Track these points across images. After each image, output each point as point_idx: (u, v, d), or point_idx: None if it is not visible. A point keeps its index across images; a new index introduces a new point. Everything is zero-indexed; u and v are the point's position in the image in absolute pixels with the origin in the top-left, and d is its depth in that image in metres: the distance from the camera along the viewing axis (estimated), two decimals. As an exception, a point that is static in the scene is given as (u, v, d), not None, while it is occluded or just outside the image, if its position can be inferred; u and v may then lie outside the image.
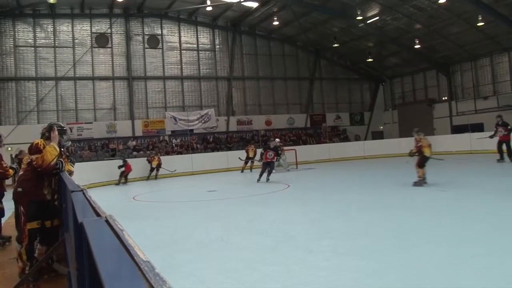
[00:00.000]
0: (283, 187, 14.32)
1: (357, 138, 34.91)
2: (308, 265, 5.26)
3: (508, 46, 28.66)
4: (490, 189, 10.38)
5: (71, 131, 26.28)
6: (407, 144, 25.56)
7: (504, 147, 16.84)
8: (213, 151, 28.71)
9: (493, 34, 27.84)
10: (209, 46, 32.22)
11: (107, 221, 1.30)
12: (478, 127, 28.83)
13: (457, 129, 31.08)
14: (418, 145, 11.99)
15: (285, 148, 23.20)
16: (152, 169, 22.09)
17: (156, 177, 22.10)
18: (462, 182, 12.49)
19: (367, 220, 7.86)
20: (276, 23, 29.73)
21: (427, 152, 11.45)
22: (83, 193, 2.39)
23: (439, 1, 24.43)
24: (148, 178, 22.02)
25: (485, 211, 7.87)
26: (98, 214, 1.60)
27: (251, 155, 23.38)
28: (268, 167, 16.73)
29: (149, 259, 0.90)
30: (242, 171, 23.19)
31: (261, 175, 16.75)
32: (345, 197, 11.32)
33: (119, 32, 29.31)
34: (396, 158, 24.14)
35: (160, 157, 22.94)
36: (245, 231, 7.67)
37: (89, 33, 28.47)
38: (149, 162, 22.20)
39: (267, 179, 16.50)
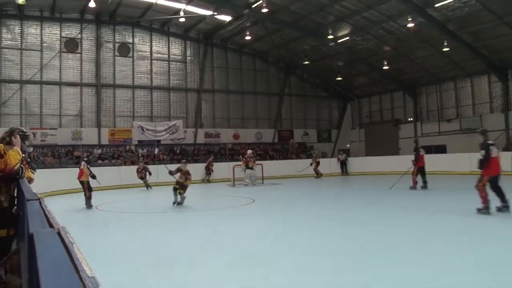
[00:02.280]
0: (248, 202, 14.28)
1: (324, 155, 35.26)
2: (269, 282, 5.23)
3: (471, 71, 29.66)
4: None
5: (34, 137, 25.66)
6: (372, 162, 26.13)
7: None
8: (179, 163, 28.43)
9: (457, 59, 28.77)
10: (180, 57, 32.13)
11: (59, 233, 1.27)
12: (441, 149, 29.60)
13: (421, 150, 31.71)
14: None
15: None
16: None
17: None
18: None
19: (330, 237, 7.91)
20: (248, 37, 29.92)
21: None
22: (40, 202, 2.33)
23: (408, 25, 25.09)
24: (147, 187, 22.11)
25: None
26: (51, 225, 1.56)
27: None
28: None
29: (94, 275, 0.88)
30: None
31: None
32: (309, 213, 11.37)
33: (89, 38, 28.89)
34: (361, 176, 24.51)
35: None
36: (206, 246, 7.59)
37: (58, 37, 27.93)
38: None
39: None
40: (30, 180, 6.19)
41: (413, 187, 16.32)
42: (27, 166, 8.86)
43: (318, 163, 27.07)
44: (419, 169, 16.47)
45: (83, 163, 14.69)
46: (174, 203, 13.68)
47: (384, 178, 23.92)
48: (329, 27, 27.30)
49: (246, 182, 22.03)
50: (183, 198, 13.89)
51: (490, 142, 9.71)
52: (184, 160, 16.82)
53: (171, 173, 14.51)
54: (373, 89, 37.16)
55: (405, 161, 27.32)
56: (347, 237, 7.86)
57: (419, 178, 16.38)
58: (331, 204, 13.88)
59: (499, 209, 9.36)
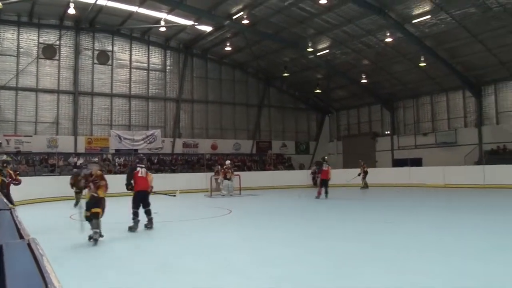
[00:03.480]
0: (225, 212, 14.23)
1: (301, 167, 35.41)
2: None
3: (446, 87, 30.36)
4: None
5: (8, 144, 25.22)
6: (352, 174, 26.32)
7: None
8: (156, 173, 28.26)
9: (433, 75, 29.40)
10: (159, 66, 32.02)
11: (28, 244, 1.24)
12: (417, 162, 30.05)
13: (398, 163, 32.24)
14: None
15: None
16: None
17: None
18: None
19: (307, 248, 7.92)
20: (228, 48, 29.97)
21: None
22: (10, 212, 2.28)
23: (386, 40, 25.53)
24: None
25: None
26: (21, 236, 1.52)
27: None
28: None
29: (62, 287, 0.86)
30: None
31: None
32: (286, 224, 11.39)
33: (68, 45, 28.58)
34: (340, 188, 24.66)
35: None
36: (182, 255, 7.53)
37: (36, 43, 27.55)
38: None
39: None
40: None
41: (317, 197, 18.83)
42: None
43: (366, 173, 25.91)
44: (323, 182, 19.02)
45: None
46: (90, 238, 8.61)
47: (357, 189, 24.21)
48: (309, 39, 27.62)
49: (224, 193, 21.98)
50: (96, 233, 8.62)
51: None
52: (96, 159, 13.53)
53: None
54: (351, 102, 37.58)
55: (382, 173, 27.94)
56: (324, 248, 7.88)
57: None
58: (308, 214, 13.94)
59: None
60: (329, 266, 6.55)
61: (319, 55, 29.89)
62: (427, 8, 22.76)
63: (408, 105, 33.97)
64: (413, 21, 24.02)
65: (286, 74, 32.25)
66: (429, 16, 23.30)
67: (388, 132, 35.17)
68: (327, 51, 29.46)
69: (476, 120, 29.11)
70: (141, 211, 10.36)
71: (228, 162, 23.87)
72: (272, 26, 27.25)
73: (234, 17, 25.85)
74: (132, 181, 10.70)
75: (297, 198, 20.17)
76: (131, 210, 10.40)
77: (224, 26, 27.31)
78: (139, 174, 10.66)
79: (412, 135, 33.33)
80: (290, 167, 35.51)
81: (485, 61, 26.64)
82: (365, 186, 25.53)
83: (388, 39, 25.36)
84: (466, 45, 25.44)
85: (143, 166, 11.03)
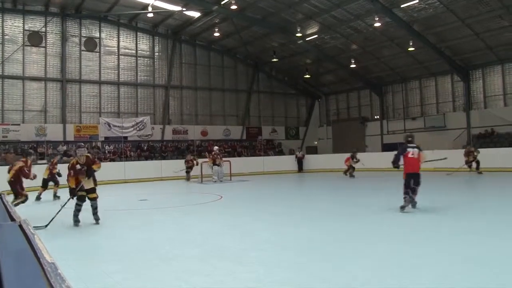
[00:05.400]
0: (215, 198, 14.29)
1: (291, 152, 35.53)
2: (236, 276, 5.27)
3: (435, 71, 30.45)
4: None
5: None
6: (341, 159, 26.47)
7: None
8: (146, 160, 28.27)
9: (422, 59, 29.47)
10: (148, 53, 31.77)
11: (20, 226, 1.26)
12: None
13: (387, 147, 32.41)
14: None
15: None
16: None
17: None
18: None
19: (296, 233, 8.00)
20: (217, 34, 29.73)
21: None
22: (0, 197, 2.30)
23: (375, 25, 25.50)
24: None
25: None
26: (13, 219, 1.55)
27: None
28: None
29: (54, 260, 0.89)
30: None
31: None
32: (276, 209, 11.47)
33: (54, 31, 28.20)
34: (331, 173, 24.81)
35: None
36: (174, 241, 7.57)
37: (21, 30, 27.11)
38: None
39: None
40: None
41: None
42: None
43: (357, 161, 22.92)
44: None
45: None
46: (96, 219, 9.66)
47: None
48: (298, 24, 27.54)
49: (214, 179, 22.03)
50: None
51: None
52: (83, 147, 13.56)
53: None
54: (340, 87, 37.64)
55: (371, 157, 28.08)
56: (315, 231, 7.98)
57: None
58: (297, 200, 14.07)
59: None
60: (321, 247, 6.65)
61: (308, 40, 29.80)
62: (418, -8, 22.77)
63: (397, 90, 34.10)
64: (401, 6, 23.98)
65: (275, 60, 32.18)
66: (417, 1, 23.26)
67: (378, 117, 35.31)
68: (316, 36, 29.38)
69: (464, 105, 29.31)
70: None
71: (216, 148, 23.89)
72: (261, 11, 27.09)
73: (223, 2, 25.64)
74: None
75: (287, 184, 20.26)
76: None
77: (212, 11, 27.08)
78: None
79: (401, 120, 33.50)
80: (280, 152, 35.60)
81: (473, 46, 26.75)
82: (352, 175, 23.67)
83: (377, 24, 25.32)
84: (454, 29, 25.49)
85: None
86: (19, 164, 10.77)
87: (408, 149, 10.00)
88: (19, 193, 10.72)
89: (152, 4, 26.38)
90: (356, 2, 24.31)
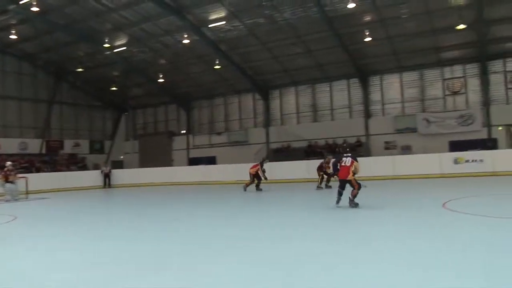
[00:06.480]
0: (8, 220, 12.79)
1: (96, 167, 33.93)
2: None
3: (239, 89, 32.67)
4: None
5: None
6: (147, 173, 26.22)
7: None
8: None
9: (227, 77, 31.26)
10: None
11: None
12: (211, 160, 31.49)
13: (193, 161, 33.34)
14: None
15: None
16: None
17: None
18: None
19: (101, 251, 7.63)
20: (13, 36, 26.85)
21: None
22: None
23: (183, 41, 26.15)
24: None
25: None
26: None
27: None
28: None
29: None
30: None
31: None
32: (80, 227, 10.80)
33: None
34: (140, 188, 24.37)
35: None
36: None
37: None
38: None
39: None
40: None
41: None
42: None
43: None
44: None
45: None
46: None
47: (154, 189, 24.27)
48: (106, 35, 26.71)
49: (7, 198, 19.80)
50: None
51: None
52: None
53: None
54: (148, 101, 37.51)
55: (177, 172, 28.45)
56: (124, 250, 7.76)
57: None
58: (102, 215, 13.52)
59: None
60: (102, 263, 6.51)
61: (116, 51, 29.03)
62: (222, 14, 24.03)
63: (204, 105, 35.42)
64: (210, 26, 25.12)
65: (80, 70, 30.63)
66: (224, 22, 24.64)
67: (184, 131, 36.06)
68: (125, 48, 28.82)
69: (264, 121, 31.85)
70: None
71: (9, 163, 21.54)
72: (66, 17, 25.50)
73: (21, 2, 23.40)
74: None
75: (89, 200, 19.25)
76: None
77: (8, 10, 24.50)
78: None
79: (207, 134, 34.85)
80: (84, 167, 33.72)
81: (272, 68, 29.43)
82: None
83: (186, 41, 26.04)
84: (256, 51, 27.64)
85: None
86: None
87: (343, 158, 10.84)
88: None
89: None
90: (166, 17, 24.62)
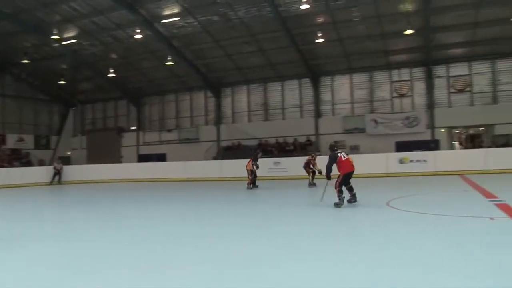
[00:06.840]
0: None
1: (41, 163, 32.83)
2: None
3: (191, 86, 32.54)
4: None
5: None
6: (93, 170, 25.64)
7: None
8: None
9: (179, 73, 31.09)
10: None
11: None
12: (161, 157, 31.20)
13: (143, 158, 32.92)
14: None
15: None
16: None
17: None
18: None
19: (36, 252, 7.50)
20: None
21: None
22: None
23: (135, 36, 25.75)
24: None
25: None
26: None
27: None
28: None
29: None
30: None
31: None
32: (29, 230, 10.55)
33: None
34: (81, 185, 23.78)
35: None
36: None
37: None
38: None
39: None
40: None
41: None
42: None
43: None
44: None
45: None
46: None
47: (102, 186, 23.80)
48: (54, 26, 25.82)
49: None
50: None
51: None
52: None
53: None
54: (97, 96, 36.64)
55: (127, 168, 28.03)
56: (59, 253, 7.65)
57: None
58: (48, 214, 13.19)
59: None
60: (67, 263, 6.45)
61: (65, 44, 28.11)
62: (176, 10, 23.87)
63: (155, 102, 35.02)
64: (163, 21, 24.89)
65: (25, 61, 29.42)
66: (178, 18, 24.49)
67: (134, 128, 35.49)
68: (74, 40, 28.01)
69: (215, 119, 31.87)
70: None
71: None
72: (11, 5, 24.36)
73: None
74: None
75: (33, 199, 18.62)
76: None
77: None
78: None
79: (157, 131, 34.49)
80: (28, 163, 32.45)
81: (225, 65, 29.52)
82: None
83: (138, 36, 25.67)
84: (209, 49, 27.65)
85: None
86: None
87: (339, 154, 10.55)
88: None
89: None
90: (118, 11, 24.16)
